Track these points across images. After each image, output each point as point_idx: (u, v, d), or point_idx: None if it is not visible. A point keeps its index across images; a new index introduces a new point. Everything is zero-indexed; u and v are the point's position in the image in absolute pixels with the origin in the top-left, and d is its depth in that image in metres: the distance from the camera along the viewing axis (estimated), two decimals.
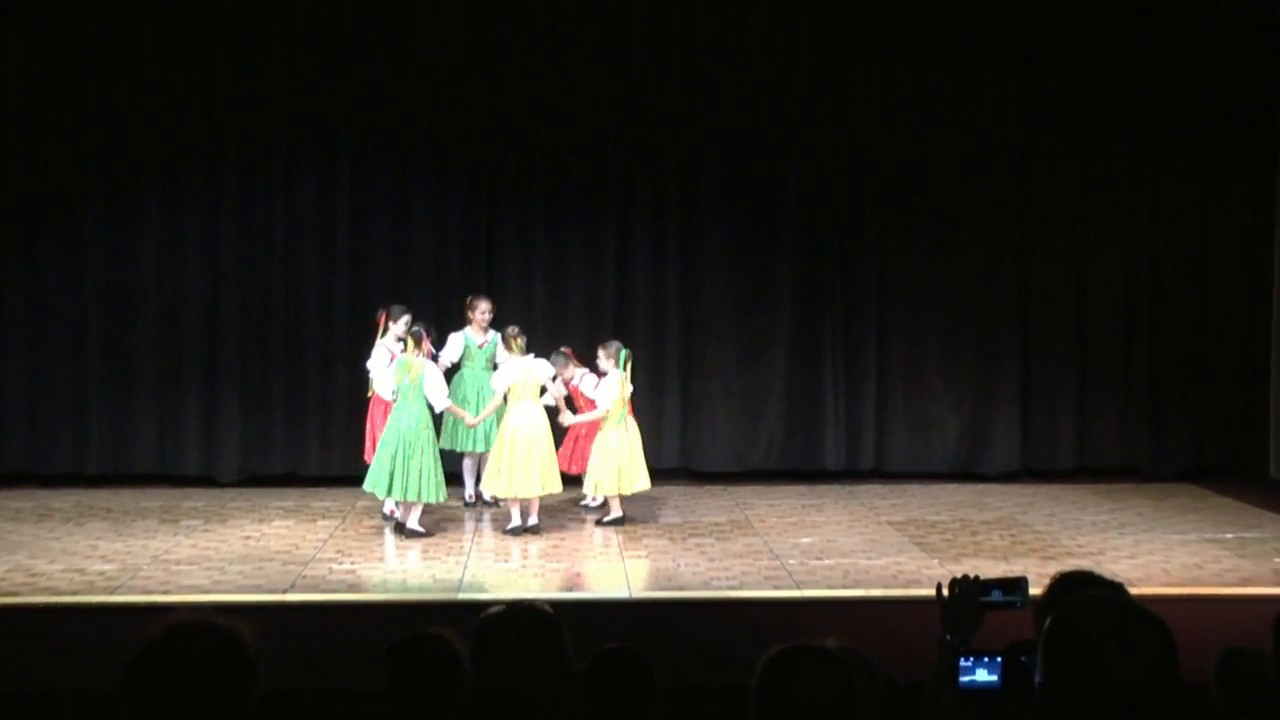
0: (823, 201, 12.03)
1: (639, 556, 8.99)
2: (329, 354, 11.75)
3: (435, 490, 9.29)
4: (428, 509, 9.59)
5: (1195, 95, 12.01)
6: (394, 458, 9.26)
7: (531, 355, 9.71)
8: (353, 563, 8.83)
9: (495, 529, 9.82)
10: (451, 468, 10.11)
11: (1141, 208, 12.16)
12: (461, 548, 9.20)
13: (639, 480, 9.91)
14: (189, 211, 11.72)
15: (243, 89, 11.65)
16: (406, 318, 9.96)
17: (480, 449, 10.28)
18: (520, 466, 9.44)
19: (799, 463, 12.06)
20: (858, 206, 12.07)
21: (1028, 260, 12.17)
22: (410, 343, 9.49)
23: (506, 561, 8.86)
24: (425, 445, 9.31)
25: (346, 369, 11.53)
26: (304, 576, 8.37)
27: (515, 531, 9.49)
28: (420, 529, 9.40)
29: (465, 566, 8.66)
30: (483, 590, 8.12)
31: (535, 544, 9.36)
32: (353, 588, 8.22)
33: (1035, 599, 3.13)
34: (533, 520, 9.54)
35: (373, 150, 11.81)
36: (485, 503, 10.40)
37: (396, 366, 9.50)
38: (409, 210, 11.87)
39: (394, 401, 9.50)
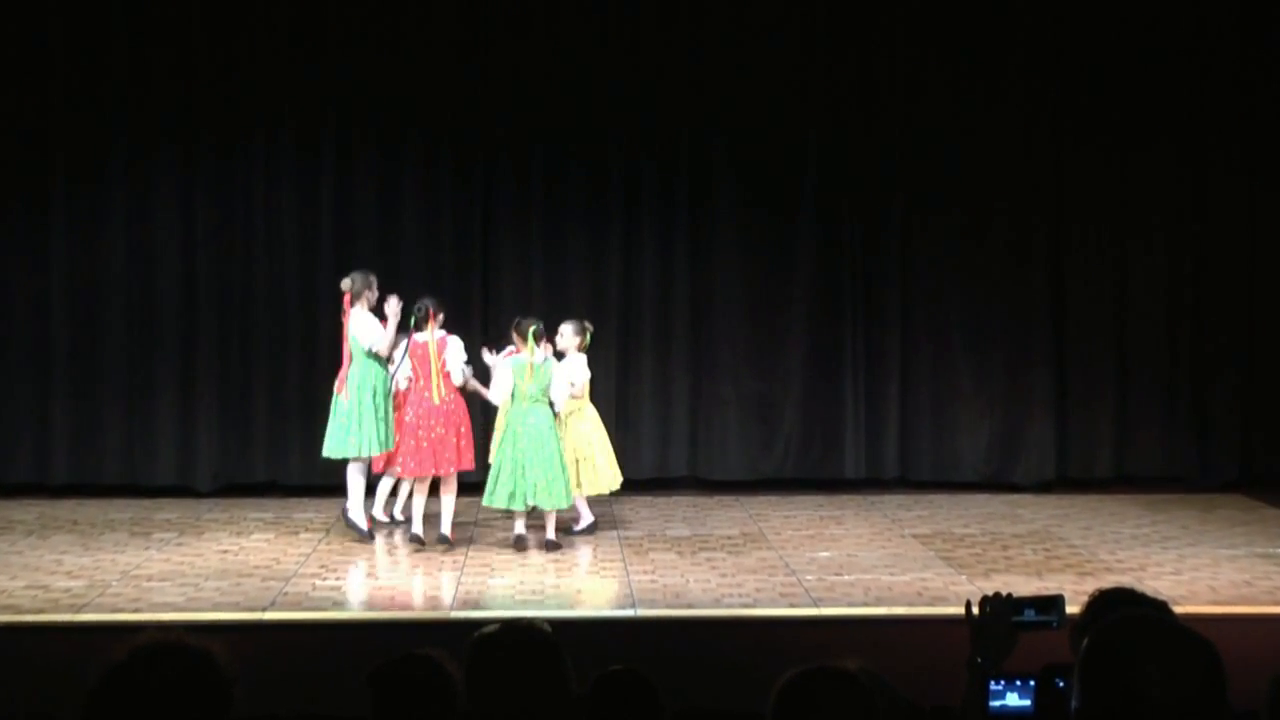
0: (843, 192, 12.03)
1: (644, 572, 8.99)
2: (313, 353, 11.75)
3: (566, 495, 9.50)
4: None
5: (1242, 83, 12.00)
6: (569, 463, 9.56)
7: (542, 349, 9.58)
8: (337, 579, 8.83)
9: (489, 543, 9.81)
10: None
11: (1185, 201, 12.15)
12: (454, 562, 9.20)
13: (604, 478, 9.93)
14: (161, 201, 11.72)
15: (219, 69, 11.66)
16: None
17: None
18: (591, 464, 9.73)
19: (816, 471, 12.06)
20: (880, 198, 12.07)
21: (1062, 256, 12.16)
22: (530, 341, 9.40)
23: (502, 577, 8.86)
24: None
25: (332, 370, 11.52)
26: (285, 594, 8.37)
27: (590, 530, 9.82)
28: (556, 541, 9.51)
29: (458, 582, 8.66)
30: (476, 608, 8.12)
31: (534, 558, 9.36)
32: (337, 605, 8.22)
33: (1072, 618, 3.12)
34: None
35: (359, 136, 11.80)
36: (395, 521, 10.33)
37: (512, 368, 9.45)
38: (398, 200, 11.87)
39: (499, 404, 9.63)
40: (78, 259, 11.69)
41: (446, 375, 9.53)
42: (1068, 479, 12.13)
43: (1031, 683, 3.02)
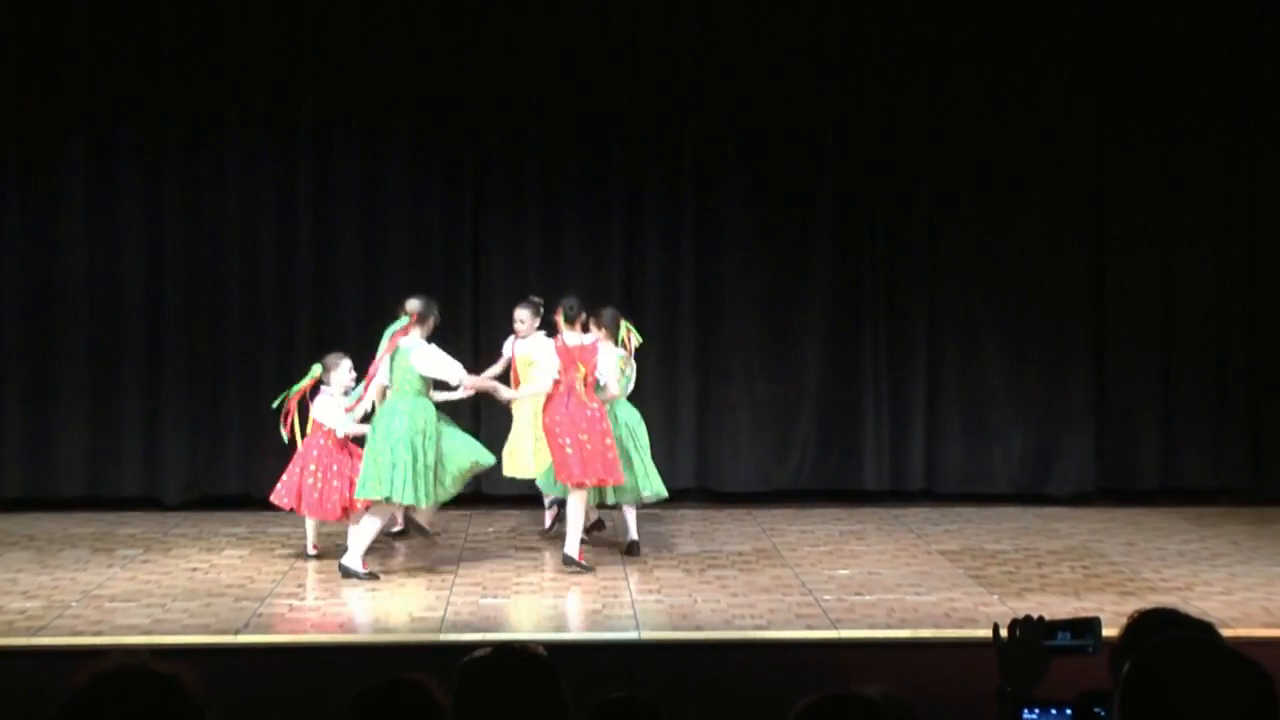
0: (864, 182, 12.04)
1: (649, 591, 8.99)
2: (290, 357, 11.75)
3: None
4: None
5: None
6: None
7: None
8: (316, 598, 8.83)
9: (481, 560, 9.82)
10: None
11: (1236, 196, 12.14)
12: (444, 581, 9.21)
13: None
14: (124, 194, 11.74)
15: (184, 49, 11.66)
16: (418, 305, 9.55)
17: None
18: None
19: (835, 482, 12.07)
20: (904, 186, 12.07)
21: (1103, 253, 12.16)
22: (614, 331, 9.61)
23: (495, 597, 8.87)
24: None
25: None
26: (259, 615, 8.38)
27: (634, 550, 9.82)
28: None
29: (448, 602, 8.67)
30: (467, 630, 8.11)
31: (530, 575, 9.36)
32: (316, 628, 8.22)
33: (1110, 642, 3.12)
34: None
35: (339, 123, 11.82)
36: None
37: (617, 362, 9.55)
38: (382, 193, 11.88)
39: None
40: (33, 254, 11.69)
41: (591, 384, 9.45)
42: (1108, 491, 12.12)
43: (1068, 712, 3.02)
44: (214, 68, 11.68)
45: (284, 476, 9.69)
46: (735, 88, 11.93)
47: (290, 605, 8.64)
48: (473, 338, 11.66)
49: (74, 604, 8.62)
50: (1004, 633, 3.09)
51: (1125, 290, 12.19)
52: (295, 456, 9.69)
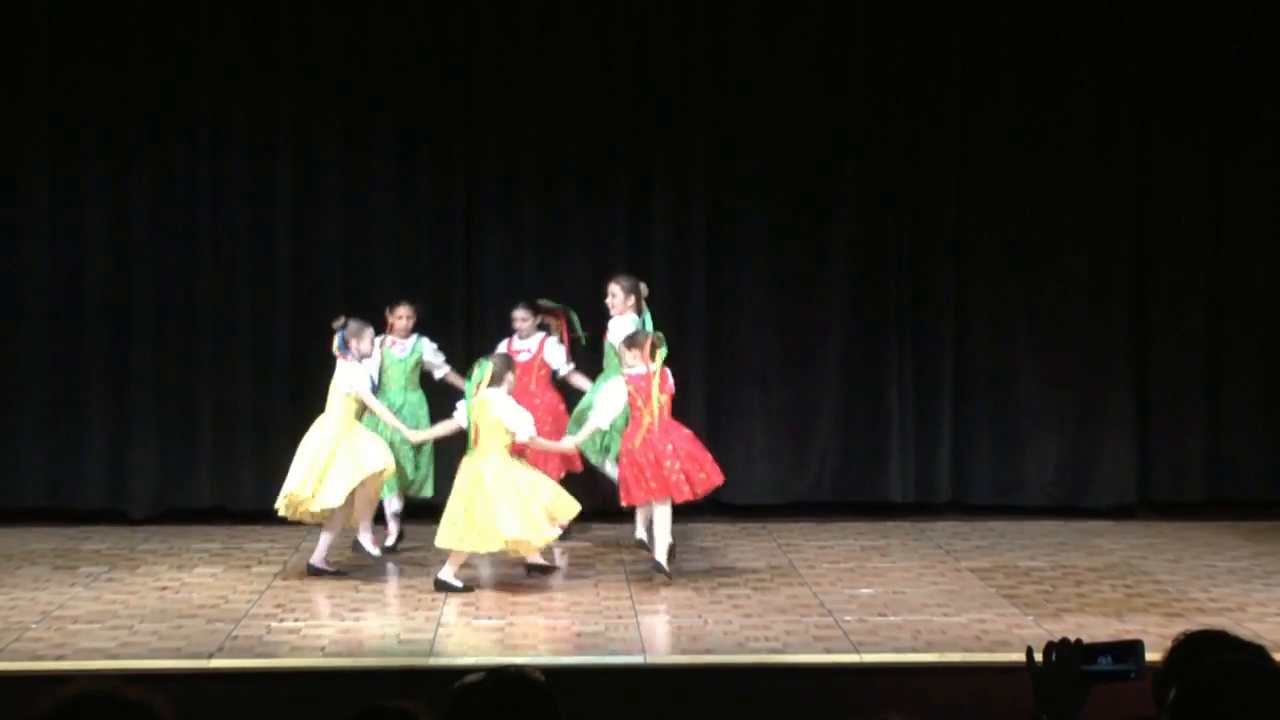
0: (887, 174, 12.03)
1: (656, 611, 9.00)
2: (266, 360, 11.78)
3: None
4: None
5: None
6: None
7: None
8: (296, 619, 8.84)
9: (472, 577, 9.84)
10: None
11: None
12: (433, 601, 9.22)
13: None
14: (90, 187, 11.75)
15: (159, 35, 11.68)
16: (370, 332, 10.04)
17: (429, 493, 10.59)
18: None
19: (857, 494, 12.08)
20: (930, 173, 12.07)
21: (1146, 246, 12.15)
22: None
23: (489, 618, 8.88)
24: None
25: (288, 379, 11.56)
26: (235, 637, 8.38)
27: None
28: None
29: (438, 624, 8.68)
30: (458, 654, 8.13)
31: (525, 595, 9.37)
32: (295, 651, 8.22)
33: (1154, 666, 3.12)
34: None
35: (321, 110, 11.83)
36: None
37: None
38: (366, 182, 11.89)
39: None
40: None
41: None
42: (1152, 503, 12.12)
43: None
44: (184, 59, 11.68)
45: None
46: (748, 78, 11.94)
47: (268, 627, 8.64)
48: (464, 338, 11.68)
49: (33, 626, 8.62)
50: (1039, 657, 3.10)
51: (1170, 285, 12.18)
52: None
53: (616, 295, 10.56)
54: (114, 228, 11.78)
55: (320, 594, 9.43)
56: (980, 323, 12.18)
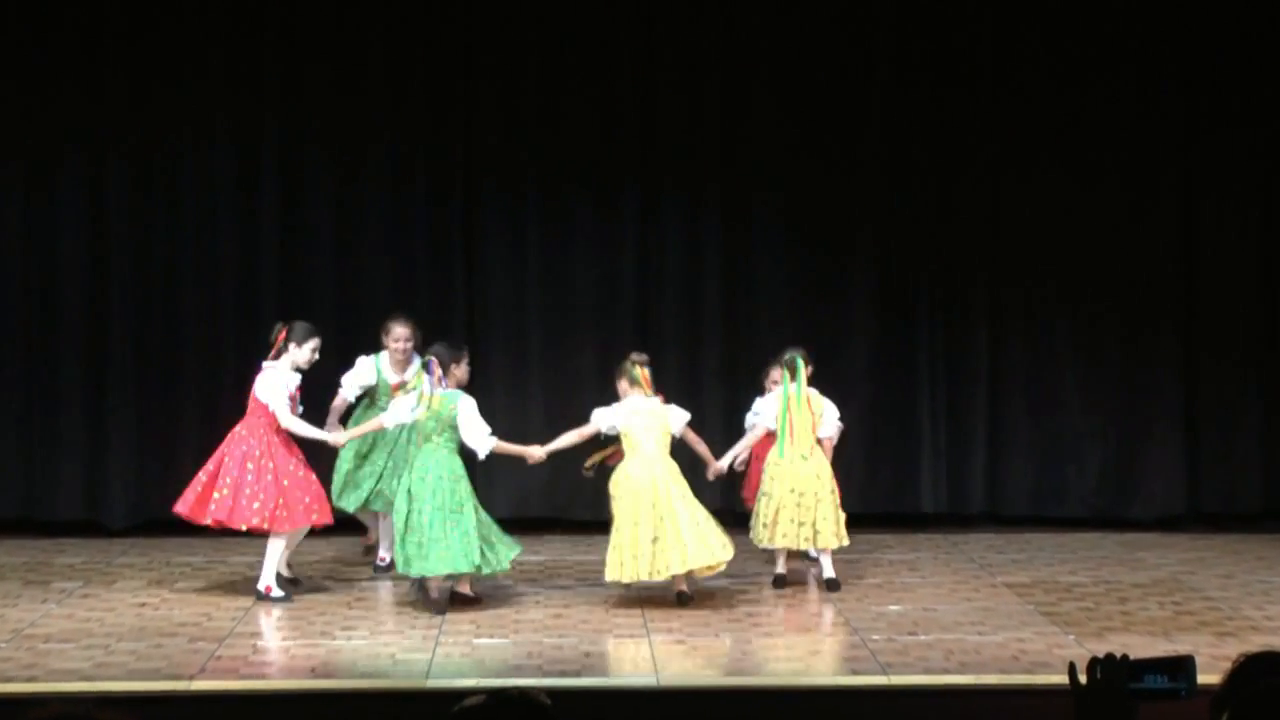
0: (913, 160, 12.06)
1: (668, 630, 9.00)
2: (251, 356, 11.76)
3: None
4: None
5: None
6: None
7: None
8: (283, 639, 8.85)
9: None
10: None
11: None
12: (431, 618, 9.23)
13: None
14: (65, 180, 11.81)
15: (137, 45, 11.75)
16: (315, 342, 9.96)
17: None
18: None
19: (885, 505, 12.10)
20: (960, 166, 12.08)
21: (1193, 241, 12.16)
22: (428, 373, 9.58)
23: (490, 638, 8.89)
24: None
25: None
26: (218, 658, 8.39)
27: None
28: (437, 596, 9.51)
29: (436, 643, 8.69)
30: (459, 675, 8.13)
31: (531, 613, 9.38)
32: (284, 672, 8.23)
33: (1208, 688, 3.11)
34: None
35: (310, 101, 11.89)
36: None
37: (414, 400, 9.58)
38: (357, 178, 11.94)
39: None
40: None
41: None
42: (1201, 514, 12.13)
43: None
44: (168, 63, 11.74)
45: None
46: (764, 56, 11.96)
47: (254, 646, 8.66)
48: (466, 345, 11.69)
49: (3, 645, 8.64)
50: (1082, 676, 3.09)
51: (1219, 283, 12.17)
52: None
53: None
54: (91, 234, 11.81)
55: (310, 611, 9.44)
56: (1016, 320, 12.18)
